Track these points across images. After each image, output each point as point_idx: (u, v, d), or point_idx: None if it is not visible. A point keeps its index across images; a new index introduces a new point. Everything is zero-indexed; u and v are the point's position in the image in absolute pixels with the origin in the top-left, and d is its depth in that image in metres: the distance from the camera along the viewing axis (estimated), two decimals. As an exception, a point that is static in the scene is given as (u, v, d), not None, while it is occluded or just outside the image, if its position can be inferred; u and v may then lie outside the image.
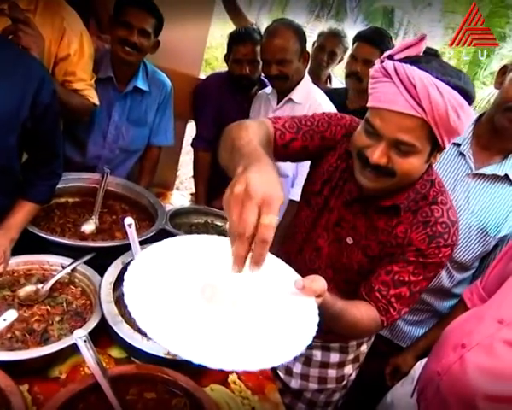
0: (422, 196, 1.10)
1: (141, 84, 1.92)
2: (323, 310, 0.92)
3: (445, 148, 1.01)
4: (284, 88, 1.95)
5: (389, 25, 11.19)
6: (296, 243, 1.31)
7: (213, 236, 1.03)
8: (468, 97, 0.93)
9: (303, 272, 1.16)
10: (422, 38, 0.97)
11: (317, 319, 0.83)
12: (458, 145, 1.48)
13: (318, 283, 0.87)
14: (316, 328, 0.81)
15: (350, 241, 1.17)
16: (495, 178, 1.44)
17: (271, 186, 0.69)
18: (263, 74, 2.11)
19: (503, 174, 1.42)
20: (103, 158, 1.99)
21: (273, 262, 0.97)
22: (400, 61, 0.96)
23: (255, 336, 0.78)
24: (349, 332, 1.24)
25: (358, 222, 1.15)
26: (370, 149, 1.00)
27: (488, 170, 1.44)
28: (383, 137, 0.97)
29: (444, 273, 1.52)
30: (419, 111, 0.91)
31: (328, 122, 1.20)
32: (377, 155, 0.98)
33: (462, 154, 1.48)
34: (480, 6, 7.27)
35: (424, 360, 1.25)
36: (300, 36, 1.90)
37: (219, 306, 0.83)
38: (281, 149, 1.15)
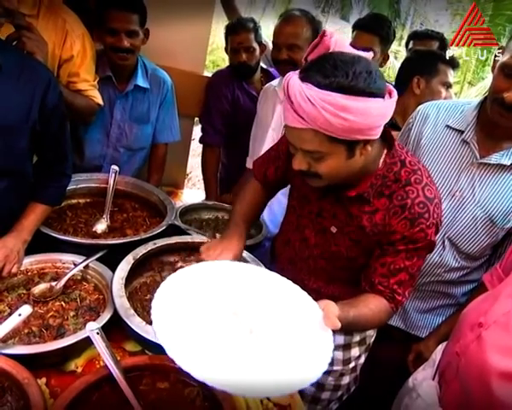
0: (394, 179, 1.10)
1: (141, 82, 1.93)
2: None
3: (370, 140, 0.99)
4: None
5: (395, 15, 11.07)
6: (283, 233, 1.39)
7: (237, 263, 1.16)
8: (359, 93, 0.91)
9: (294, 261, 1.31)
10: (323, 35, 1.01)
11: (331, 347, 0.93)
12: (461, 132, 1.41)
13: (332, 309, 0.96)
14: (330, 355, 0.91)
15: (334, 230, 1.20)
16: (501, 166, 1.36)
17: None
18: (271, 61, 2.12)
19: (509, 163, 1.34)
20: (108, 157, 2.01)
21: (292, 291, 1.08)
22: (301, 70, 0.97)
23: (272, 363, 0.87)
24: (366, 329, 1.37)
25: (338, 210, 1.18)
26: (293, 158, 1.06)
27: (493, 159, 1.36)
28: (297, 149, 1.03)
29: (453, 263, 1.48)
30: (303, 123, 0.94)
31: (284, 141, 1.28)
32: (296, 164, 1.05)
33: (465, 142, 1.40)
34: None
35: (445, 343, 1.24)
36: (314, 26, 1.90)
37: (239, 332, 0.93)
38: (265, 183, 1.38)
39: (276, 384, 0.83)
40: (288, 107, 0.96)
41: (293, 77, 0.96)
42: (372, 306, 1.10)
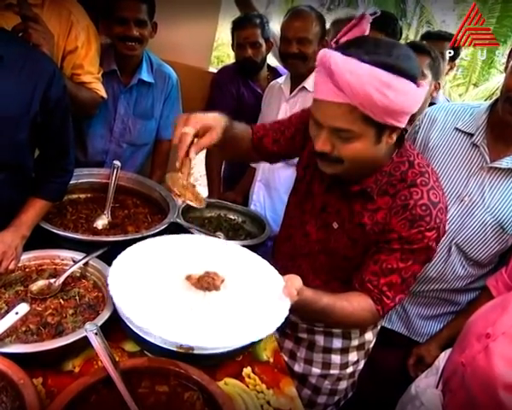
0: (400, 178, 1.09)
1: (145, 76, 1.92)
2: (308, 307, 0.99)
3: (398, 127, 0.99)
4: (300, 71, 1.94)
5: (401, 15, 11.02)
6: (284, 228, 1.38)
7: (188, 235, 1.26)
8: (401, 73, 0.91)
9: (294, 257, 1.31)
10: (363, 17, 1.01)
11: (285, 313, 0.96)
12: (471, 135, 1.38)
13: (294, 281, 0.97)
14: (282, 320, 0.94)
15: (336, 226, 1.19)
16: None
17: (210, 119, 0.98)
18: (279, 57, 2.12)
19: None
20: (111, 152, 1.99)
21: (261, 266, 1.13)
22: (340, 46, 0.97)
23: (221, 319, 0.96)
24: (342, 325, 1.28)
25: (341, 206, 1.17)
26: (316, 138, 1.03)
27: (504, 163, 1.33)
28: (323, 126, 1.00)
29: (460, 270, 1.46)
30: (342, 97, 0.92)
31: (302, 115, 1.27)
32: (319, 143, 1.01)
33: (475, 145, 1.37)
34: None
35: (449, 351, 1.22)
36: (322, 21, 1.93)
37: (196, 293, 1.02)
38: (257, 144, 1.30)
39: (222, 338, 0.91)
40: (326, 79, 0.94)
41: (332, 51, 0.94)
42: (355, 303, 1.09)
